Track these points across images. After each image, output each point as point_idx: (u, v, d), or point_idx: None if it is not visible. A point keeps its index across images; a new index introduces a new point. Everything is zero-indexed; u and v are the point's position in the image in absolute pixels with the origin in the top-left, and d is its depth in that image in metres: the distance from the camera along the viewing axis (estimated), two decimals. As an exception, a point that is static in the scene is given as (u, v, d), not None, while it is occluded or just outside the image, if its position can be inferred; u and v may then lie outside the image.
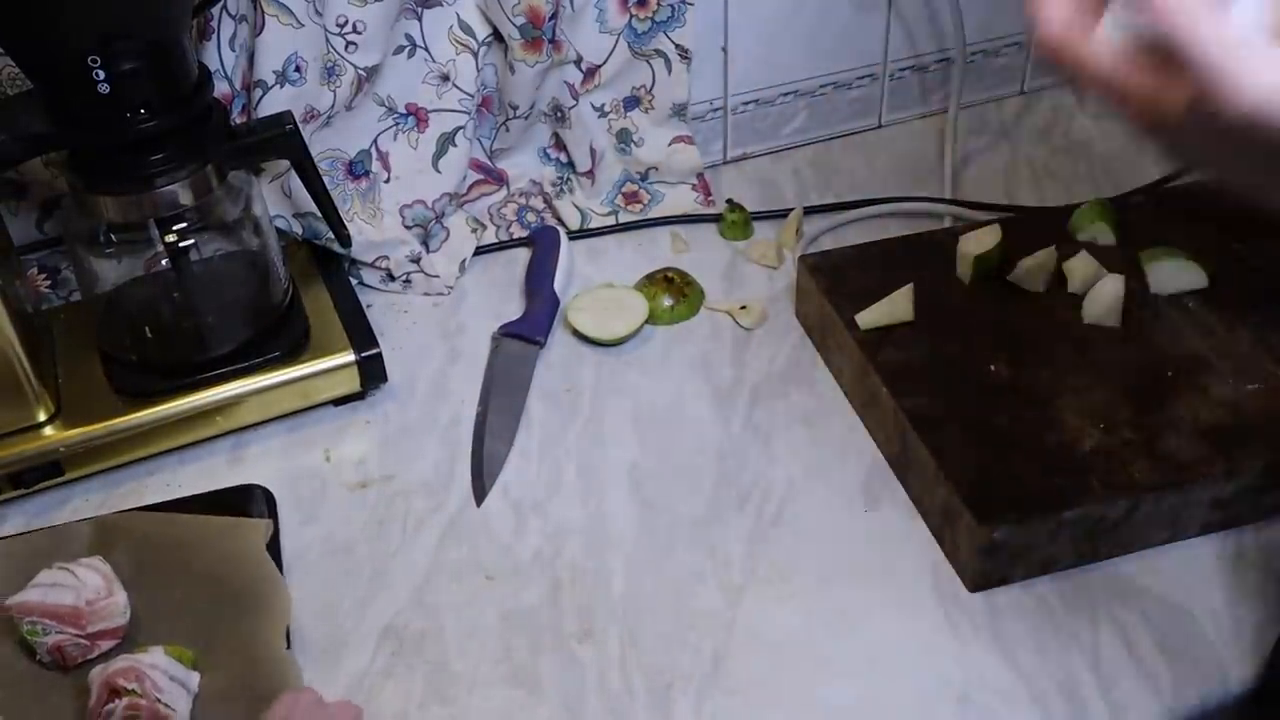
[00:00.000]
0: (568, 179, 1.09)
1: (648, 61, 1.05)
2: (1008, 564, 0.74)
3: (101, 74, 0.73)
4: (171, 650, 0.70)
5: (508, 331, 0.96)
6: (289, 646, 0.73)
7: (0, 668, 0.71)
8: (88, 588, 0.71)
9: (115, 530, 0.79)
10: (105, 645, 0.72)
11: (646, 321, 0.96)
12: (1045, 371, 0.83)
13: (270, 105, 0.90)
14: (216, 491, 0.83)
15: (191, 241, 0.84)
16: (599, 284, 1.00)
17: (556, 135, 1.08)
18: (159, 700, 0.67)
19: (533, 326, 0.96)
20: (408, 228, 1.02)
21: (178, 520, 0.80)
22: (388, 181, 1.02)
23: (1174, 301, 0.88)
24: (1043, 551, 0.75)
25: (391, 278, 1.01)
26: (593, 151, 1.07)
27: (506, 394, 0.91)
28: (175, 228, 0.83)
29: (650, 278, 0.99)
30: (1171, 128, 0.47)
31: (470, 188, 1.07)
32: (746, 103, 1.14)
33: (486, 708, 0.71)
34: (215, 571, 0.76)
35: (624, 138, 1.08)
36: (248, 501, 0.82)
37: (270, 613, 0.74)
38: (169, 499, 0.83)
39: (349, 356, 0.88)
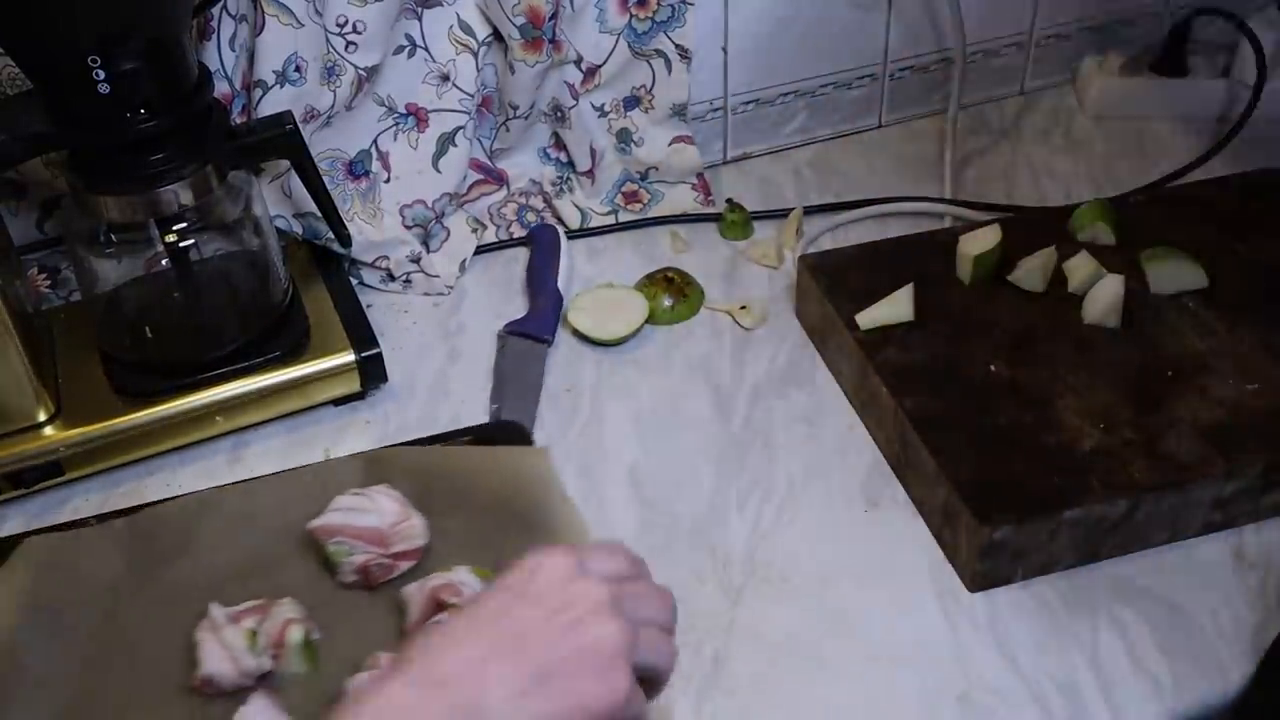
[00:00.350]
0: (567, 178, 1.09)
1: (648, 61, 1.05)
2: (1008, 564, 0.74)
3: (101, 74, 0.73)
4: (476, 570, 0.72)
5: (514, 330, 0.96)
6: None
7: (307, 587, 0.74)
8: (386, 511, 0.74)
9: (387, 464, 0.81)
10: (404, 566, 0.75)
11: (646, 321, 0.96)
12: (1045, 371, 0.83)
13: (270, 105, 0.90)
14: (473, 427, 0.86)
15: (191, 241, 0.84)
16: (600, 284, 1.00)
17: (556, 135, 1.08)
18: None
19: (539, 325, 0.96)
20: (408, 228, 1.02)
21: (453, 452, 0.82)
22: (388, 181, 1.02)
23: (1174, 301, 0.88)
24: (1043, 551, 0.75)
25: (391, 278, 1.01)
26: (593, 151, 1.07)
27: (520, 394, 0.91)
28: (175, 228, 0.83)
29: (650, 278, 0.99)
30: None
31: (470, 188, 1.07)
32: (746, 103, 1.14)
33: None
34: (500, 497, 0.78)
35: (624, 137, 1.08)
36: (509, 435, 0.84)
37: (565, 533, 0.76)
38: (424, 435, 0.85)
39: (349, 356, 0.88)
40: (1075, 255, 0.90)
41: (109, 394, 0.86)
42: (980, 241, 0.90)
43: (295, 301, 0.92)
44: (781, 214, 1.08)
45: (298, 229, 0.97)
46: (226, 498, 0.80)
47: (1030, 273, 0.89)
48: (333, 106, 0.95)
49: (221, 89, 0.89)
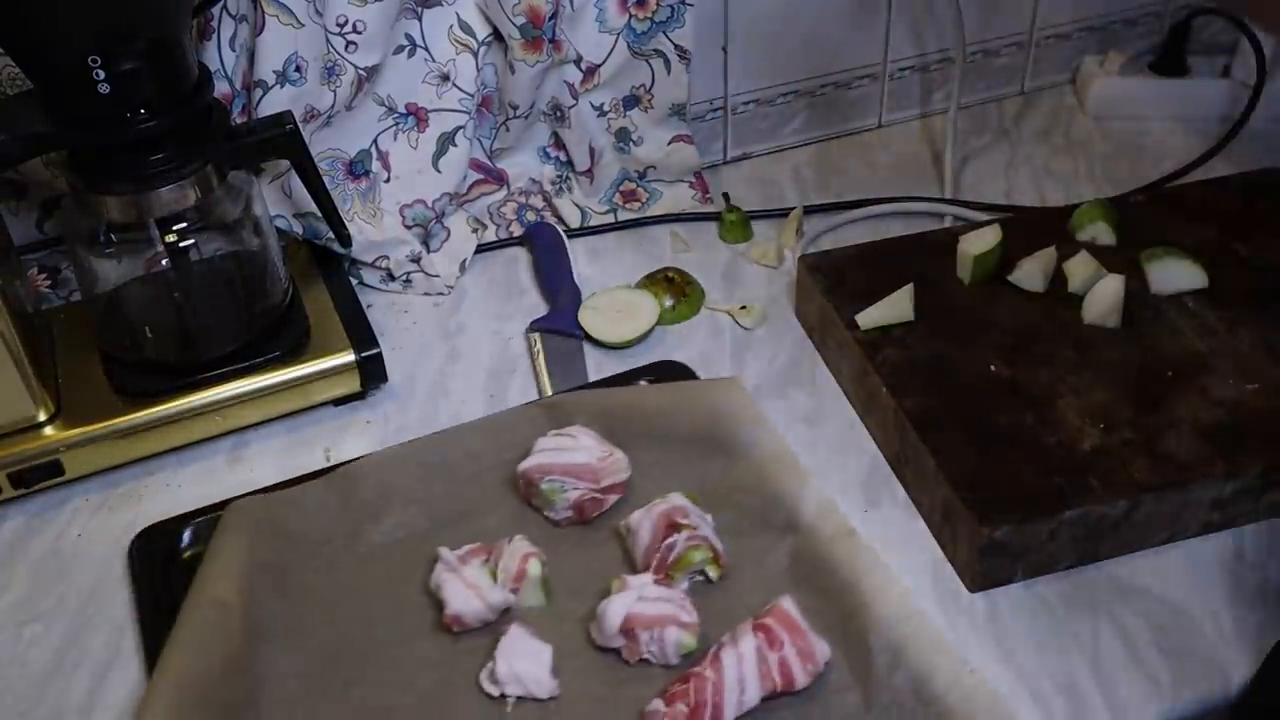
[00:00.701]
0: (566, 177, 1.09)
1: (647, 61, 1.05)
2: (1008, 564, 0.74)
3: (101, 74, 0.73)
4: (687, 494, 0.76)
5: (544, 327, 0.96)
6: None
7: (519, 528, 0.77)
8: (590, 448, 0.78)
9: (569, 408, 0.84)
10: (612, 499, 0.79)
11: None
12: (1045, 371, 0.83)
13: (270, 105, 0.90)
14: (651, 365, 0.90)
15: (191, 241, 0.84)
16: (616, 285, 0.99)
17: (556, 134, 1.08)
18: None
19: (568, 321, 0.96)
20: (408, 227, 1.02)
21: (634, 391, 0.86)
22: (388, 181, 1.02)
23: (1174, 301, 0.88)
24: (1043, 551, 0.75)
25: (392, 277, 1.01)
26: (591, 150, 1.07)
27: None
28: (175, 228, 0.83)
29: (651, 277, 0.99)
30: None
31: (470, 187, 1.07)
32: (746, 103, 1.14)
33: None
34: (697, 427, 0.81)
35: (623, 137, 1.08)
36: (682, 375, 0.88)
37: (770, 456, 0.78)
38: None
39: (349, 356, 0.88)
40: (1075, 255, 0.90)
41: (109, 394, 0.86)
42: (980, 241, 0.90)
43: (295, 301, 0.92)
44: (781, 214, 1.08)
45: (298, 229, 0.97)
46: (415, 452, 0.82)
47: (1030, 273, 0.89)
48: (333, 106, 0.95)
49: (221, 89, 0.89)
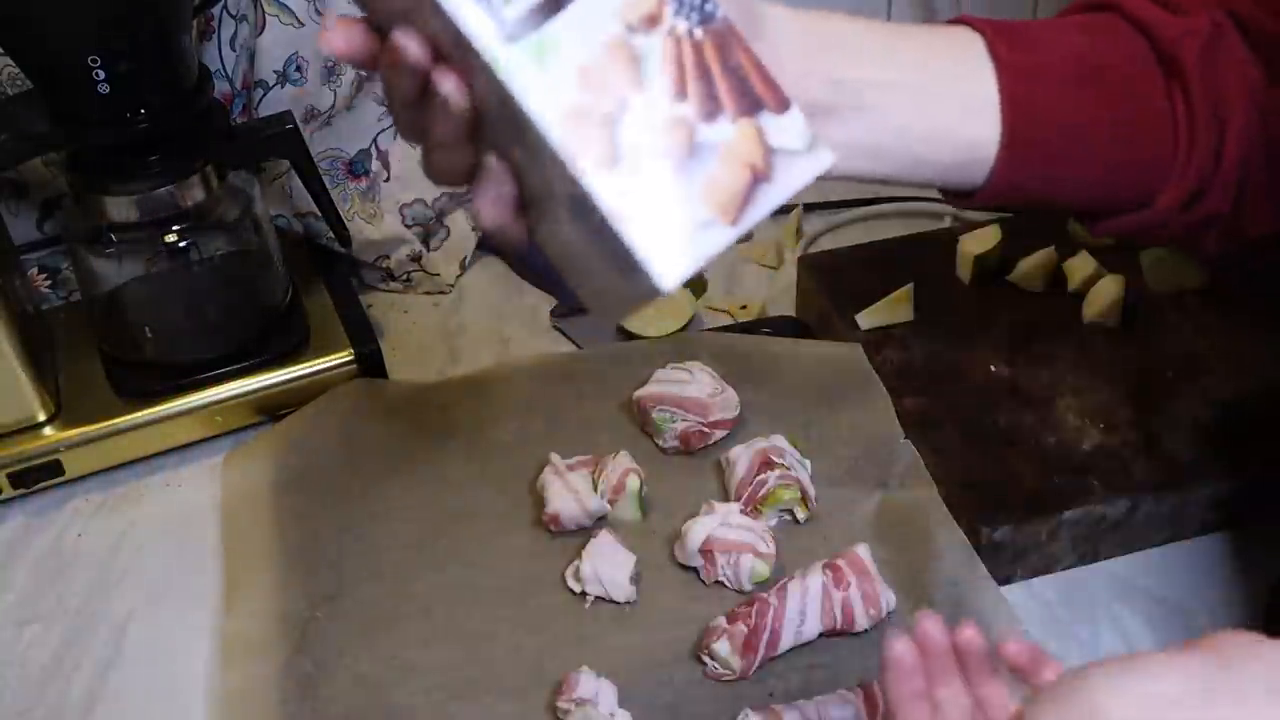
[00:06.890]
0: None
1: (648, 61, 1.04)
2: (1008, 564, 0.74)
3: (101, 74, 0.74)
4: (789, 437, 0.78)
5: (568, 311, 0.97)
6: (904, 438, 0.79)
7: (630, 449, 0.80)
8: (703, 383, 0.82)
9: (695, 345, 0.88)
10: (719, 434, 0.82)
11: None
12: (1045, 371, 0.83)
13: (271, 105, 0.91)
14: (772, 318, 0.94)
15: (191, 241, 0.84)
16: None
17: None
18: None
19: None
20: (408, 226, 1.02)
21: (759, 339, 0.89)
22: (388, 180, 1.02)
23: (1174, 301, 0.88)
24: (1043, 551, 0.75)
25: (392, 277, 1.01)
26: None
27: None
28: (175, 228, 0.83)
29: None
30: None
31: (470, 187, 1.07)
32: (746, 102, 1.13)
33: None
34: (811, 379, 0.84)
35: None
36: (791, 329, 0.92)
37: (871, 414, 0.80)
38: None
39: (349, 356, 0.88)
40: (1075, 255, 0.90)
41: (109, 394, 0.86)
42: (980, 241, 0.90)
43: (295, 301, 0.92)
44: (781, 214, 1.08)
45: (298, 229, 0.97)
46: (550, 366, 0.88)
47: (1030, 273, 0.89)
48: (333, 106, 0.95)
49: (221, 89, 0.89)
